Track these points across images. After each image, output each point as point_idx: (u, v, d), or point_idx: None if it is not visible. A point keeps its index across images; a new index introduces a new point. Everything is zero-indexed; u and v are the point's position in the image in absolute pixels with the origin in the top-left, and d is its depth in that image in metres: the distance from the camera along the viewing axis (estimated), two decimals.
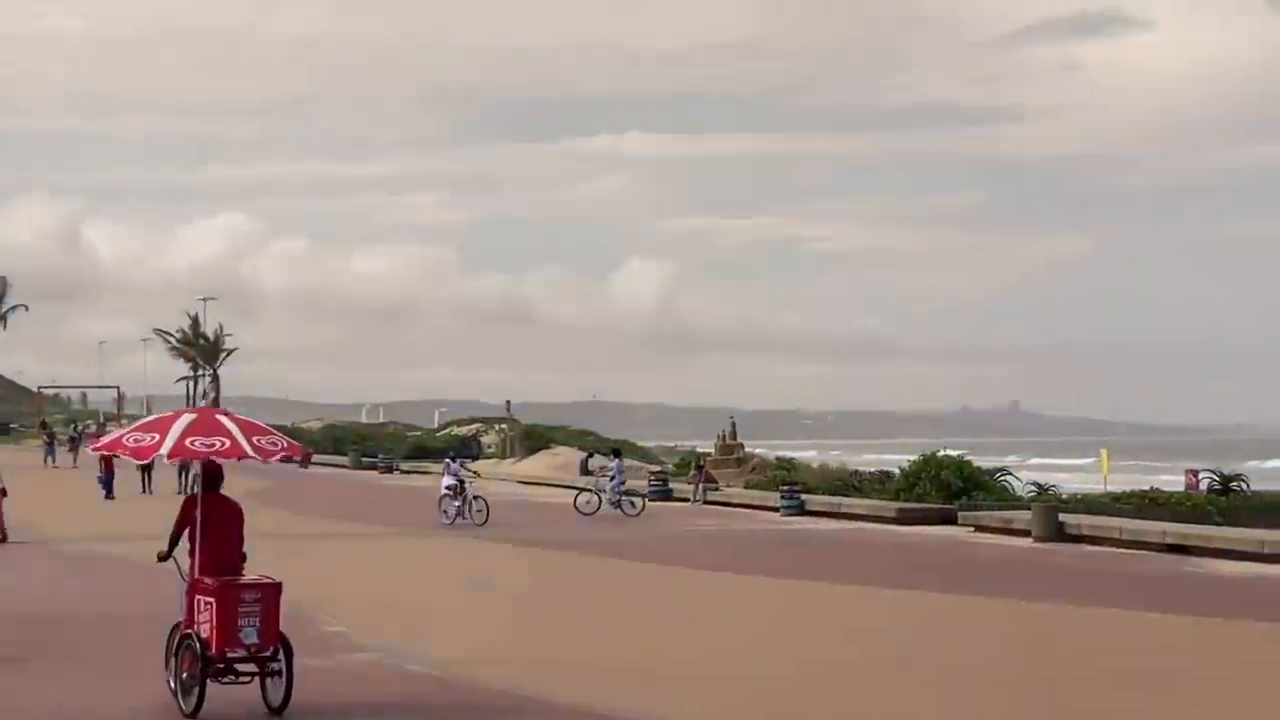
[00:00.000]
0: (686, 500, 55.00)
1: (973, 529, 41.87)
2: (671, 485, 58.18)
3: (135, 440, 15.39)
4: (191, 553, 15.65)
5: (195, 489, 16.03)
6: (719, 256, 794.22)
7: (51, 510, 46.80)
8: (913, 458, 53.39)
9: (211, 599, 15.19)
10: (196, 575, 15.55)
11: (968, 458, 52.45)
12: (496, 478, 77.73)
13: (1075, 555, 35.15)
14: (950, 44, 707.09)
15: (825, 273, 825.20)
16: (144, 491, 55.56)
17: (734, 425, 76.57)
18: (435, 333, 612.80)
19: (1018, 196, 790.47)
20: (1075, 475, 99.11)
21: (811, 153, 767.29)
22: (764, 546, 37.83)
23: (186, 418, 15.58)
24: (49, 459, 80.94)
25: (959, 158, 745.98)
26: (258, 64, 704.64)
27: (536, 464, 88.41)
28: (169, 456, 15.18)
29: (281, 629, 15.49)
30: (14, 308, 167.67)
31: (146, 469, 56.26)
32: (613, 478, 48.80)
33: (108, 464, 53.02)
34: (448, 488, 43.29)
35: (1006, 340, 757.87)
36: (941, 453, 51.91)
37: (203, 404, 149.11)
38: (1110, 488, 53.09)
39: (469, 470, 48.13)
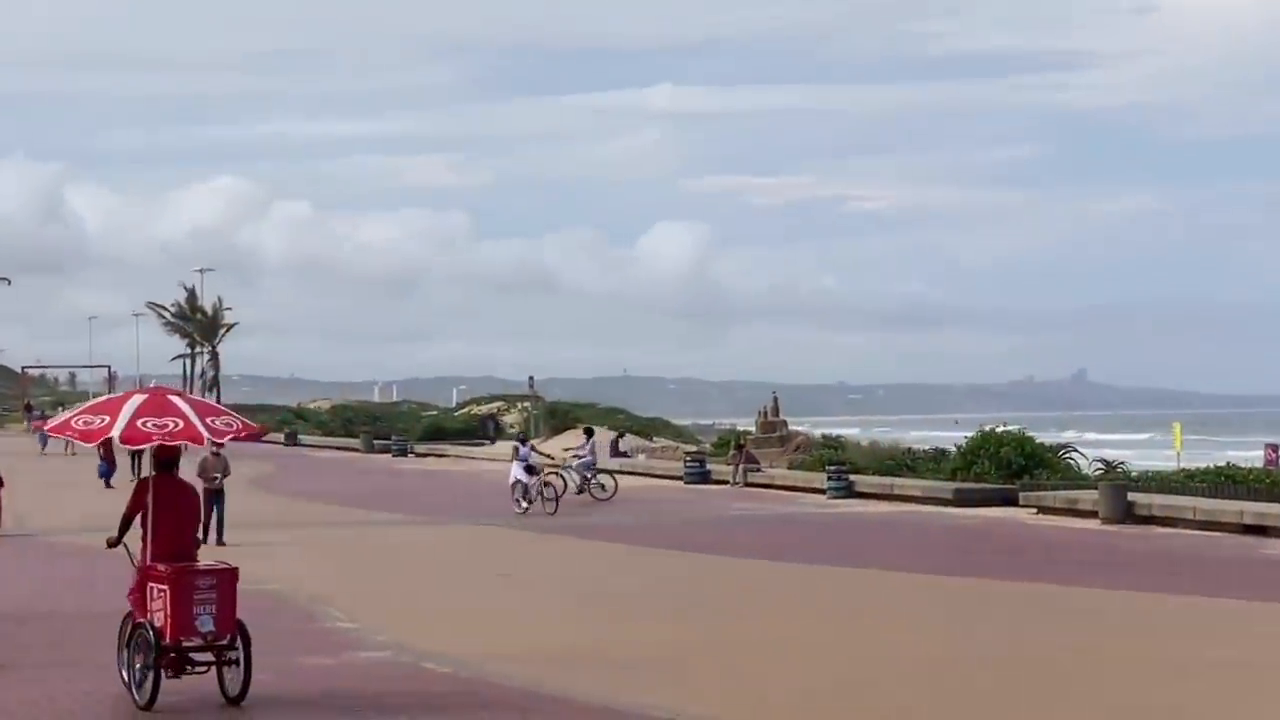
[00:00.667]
0: (725, 483, 55.01)
1: (1035, 510, 41.80)
2: (709, 466, 58.16)
3: (85, 423, 15.51)
4: (144, 538, 15.80)
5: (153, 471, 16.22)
6: (754, 218, 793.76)
7: (50, 501, 47.04)
8: (970, 434, 53.34)
9: (165, 586, 15.33)
10: (149, 562, 15.70)
11: (1029, 433, 52.36)
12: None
13: (1145, 537, 35.10)
14: None
15: (869, 234, 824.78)
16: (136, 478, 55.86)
17: (776, 401, 76.58)
18: (447, 304, 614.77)
19: (1081, 149, 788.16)
20: (1145, 451, 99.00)
21: (854, 105, 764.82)
22: (809, 531, 37.84)
23: (137, 398, 15.68)
24: (44, 446, 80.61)
25: (1015, 108, 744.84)
26: (254, 15, 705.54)
27: (562, 445, 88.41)
28: (122, 439, 15.28)
29: (283, 624, 15.63)
30: None
31: (137, 454, 56.57)
32: (580, 458, 48.76)
33: (108, 451, 53.20)
34: (520, 474, 42.56)
35: (1070, 305, 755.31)
36: (1001, 428, 51.80)
37: (200, 383, 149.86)
38: (1183, 464, 52.95)
39: (542, 454, 47.99)
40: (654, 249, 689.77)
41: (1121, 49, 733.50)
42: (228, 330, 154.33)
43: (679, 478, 57.55)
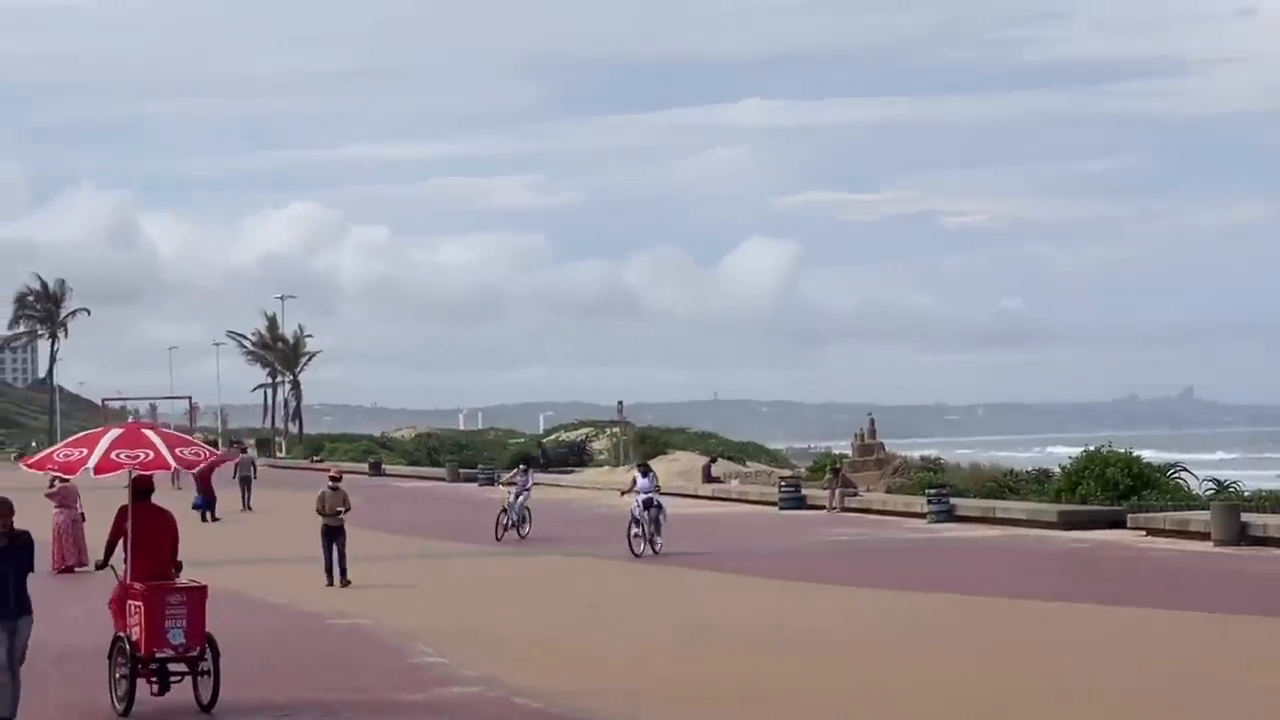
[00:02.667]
0: (822, 508, 54.77)
1: (1144, 532, 41.37)
2: (804, 491, 57.92)
3: (65, 455, 17.55)
4: (125, 560, 17.70)
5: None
6: (845, 235, 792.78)
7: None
8: (1074, 453, 52.92)
9: (140, 603, 17.19)
10: (129, 581, 17.58)
11: (1136, 453, 51.87)
12: (609, 487, 77.73)
13: (1262, 559, 34.67)
14: None
15: (965, 250, 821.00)
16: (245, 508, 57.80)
17: (873, 423, 76.42)
18: (529, 328, 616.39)
19: (1184, 158, 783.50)
20: (1260, 469, 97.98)
21: (947, 117, 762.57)
22: (910, 558, 37.58)
23: (114, 432, 17.80)
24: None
25: (1114, 117, 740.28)
26: (327, 36, 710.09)
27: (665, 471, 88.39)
28: (95, 471, 17.14)
29: (371, 660, 16.02)
30: (74, 312, 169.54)
31: (244, 486, 58.14)
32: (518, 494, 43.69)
33: (205, 484, 53.48)
34: (638, 508, 38.08)
35: (1175, 319, 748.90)
36: (1106, 448, 51.33)
37: (283, 413, 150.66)
38: None
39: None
40: (741, 267, 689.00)
41: (1223, 54, 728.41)
42: (310, 359, 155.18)
43: (774, 503, 57.36)
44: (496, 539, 42.09)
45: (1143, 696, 18.16)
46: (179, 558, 18.11)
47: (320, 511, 32.03)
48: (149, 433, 17.80)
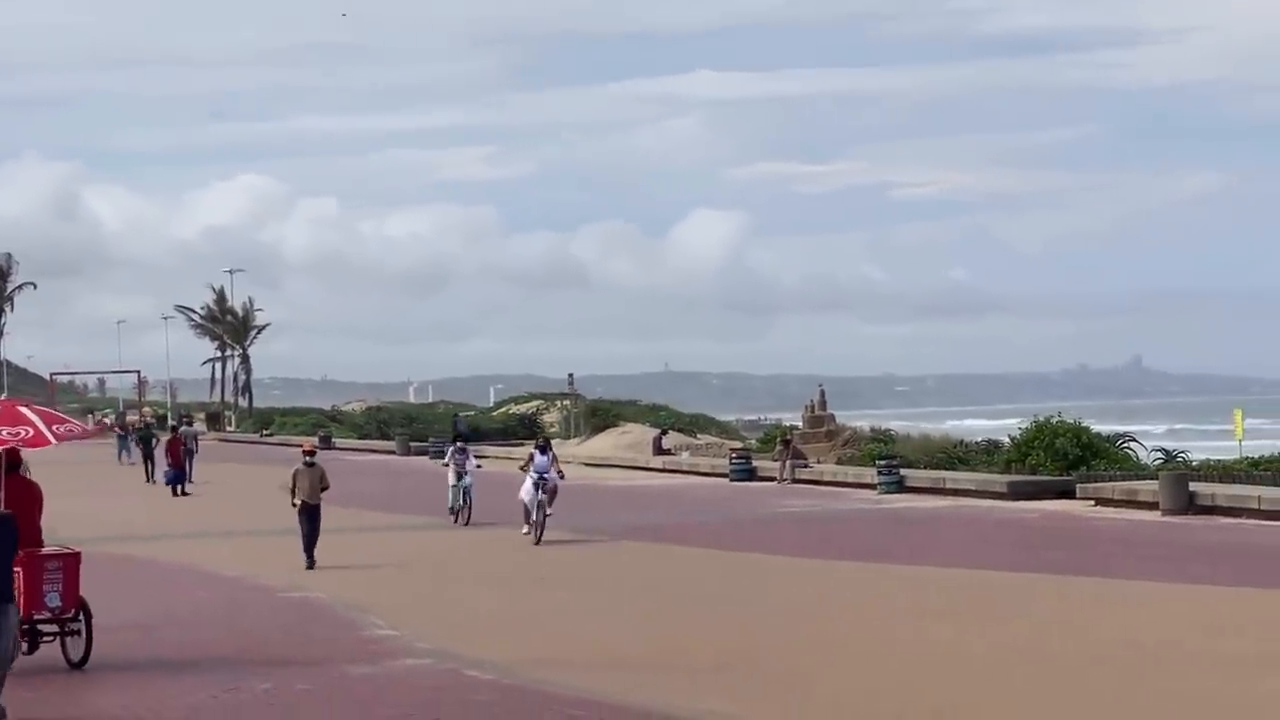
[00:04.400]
0: (772, 479, 54.93)
1: (1093, 502, 41.62)
2: (755, 463, 58.08)
3: None
4: None
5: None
6: (797, 207, 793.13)
7: (92, 508, 47.20)
8: (1023, 424, 53.17)
9: (19, 569, 17.04)
10: None
11: (1085, 423, 52.15)
12: (563, 460, 77.78)
13: (1209, 529, 34.92)
14: None
15: (915, 221, 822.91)
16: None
17: (823, 394, 76.49)
18: (480, 300, 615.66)
19: (1134, 129, 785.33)
20: (1207, 439, 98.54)
21: (900, 88, 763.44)
22: (861, 528, 37.76)
23: None
24: (123, 454, 78.49)
25: (1066, 89, 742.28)
26: (278, 8, 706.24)
27: (604, 443, 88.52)
28: None
29: (323, 633, 15.90)
30: (20, 286, 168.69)
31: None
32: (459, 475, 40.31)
33: (175, 457, 53.65)
34: (529, 491, 35.12)
35: (1125, 290, 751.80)
36: (1056, 418, 51.61)
37: (232, 386, 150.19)
38: (1246, 452, 52.68)
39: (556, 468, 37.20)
40: (691, 239, 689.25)
41: (1175, 25, 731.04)
42: (259, 332, 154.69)
43: (724, 475, 57.50)
44: (454, 523, 39.31)
45: (1091, 664, 18.29)
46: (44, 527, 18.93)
47: (292, 490, 30.32)
48: (26, 410, 18.26)
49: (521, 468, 36.13)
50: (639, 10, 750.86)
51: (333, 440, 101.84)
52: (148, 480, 60.42)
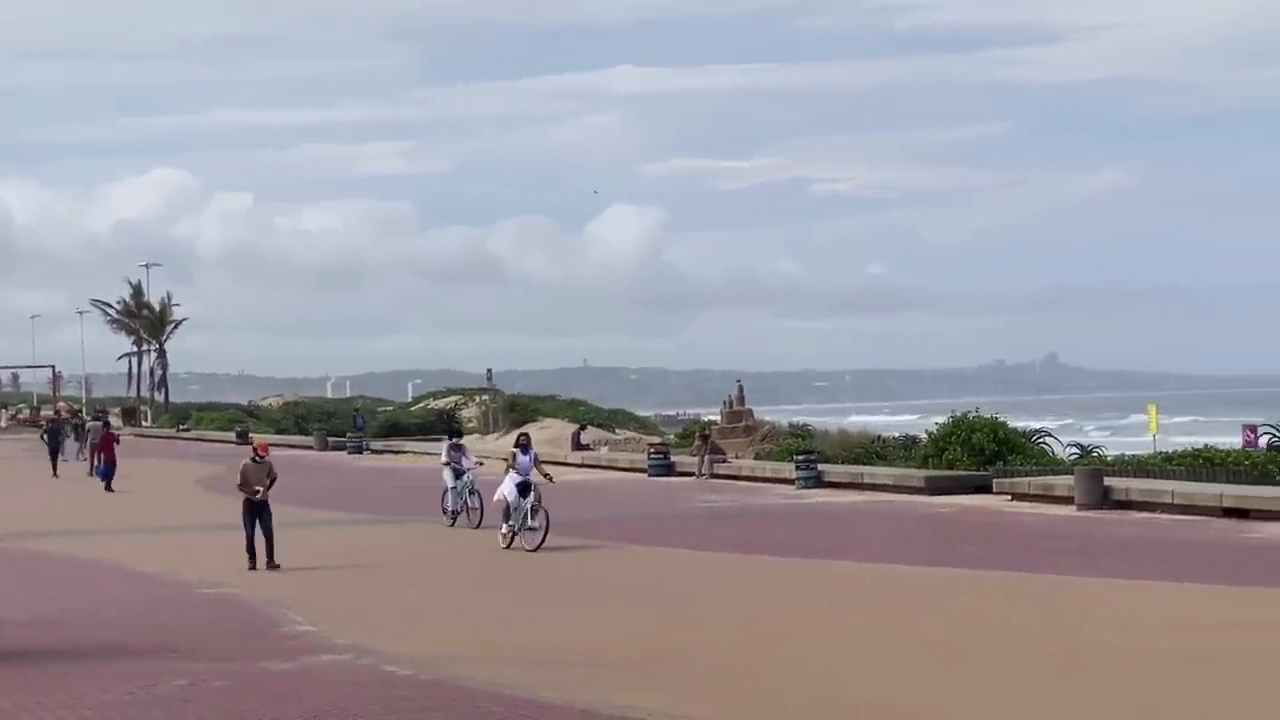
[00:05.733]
0: (691, 475, 54.99)
1: (1009, 497, 41.87)
2: (673, 458, 58.14)
3: None
4: None
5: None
6: (714, 202, 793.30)
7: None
8: (940, 420, 53.44)
9: None
10: None
11: (1002, 418, 52.47)
12: (479, 455, 77.64)
13: (1123, 523, 35.17)
14: None
15: (834, 217, 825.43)
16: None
17: (741, 389, 76.77)
18: (398, 295, 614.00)
19: (1049, 127, 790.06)
20: (1121, 435, 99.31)
21: (818, 84, 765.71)
22: (778, 523, 37.82)
23: None
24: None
25: (982, 86, 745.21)
26: (193, 1, 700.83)
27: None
28: None
29: (239, 628, 15.73)
30: None
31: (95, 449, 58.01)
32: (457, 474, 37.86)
33: (108, 453, 53.57)
34: (511, 493, 32.67)
35: (1041, 286, 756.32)
36: (972, 414, 51.90)
37: (148, 382, 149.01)
38: (1160, 447, 53.14)
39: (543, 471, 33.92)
40: (608, 235, 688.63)
41: (1090, 22, 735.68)
42: (176, 327, 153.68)
43: (643, 470, 57.55)
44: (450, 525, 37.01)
45: (1007, 658, 18.41)
46: None
47: (241, 487, 29.63)
48: None
49: (506, 471, 33.14)
50: (559, 5, 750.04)
51: (250, 435, 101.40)
52: (54, 475, 60.43)
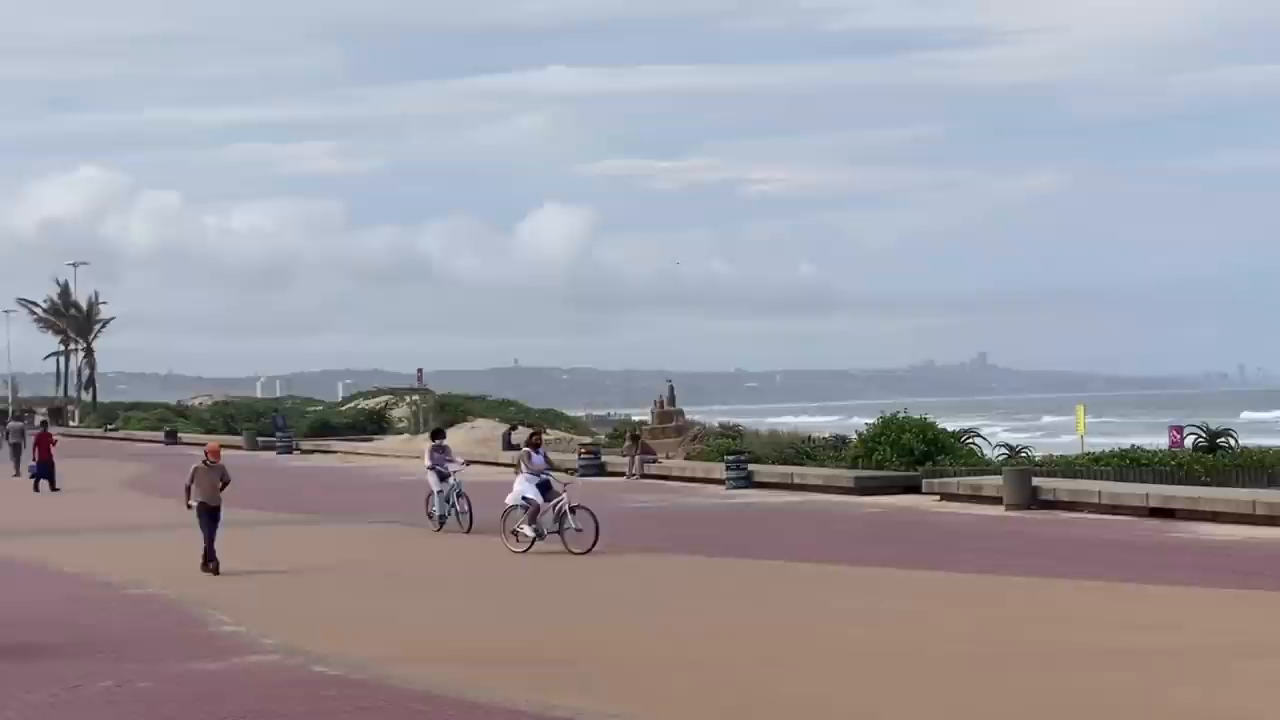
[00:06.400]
0: (622, 475, 54.98)
1: (938, 497, 42.02)
2: (604, 458, 58.13)
3: None
4: None
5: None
6: (647, 203, 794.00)
7: None
8: (870, 420, 53.57)
9: None
10: None
11: (931, 419, 52.64)
12: (408, 455, 77.46)
13: (1051, 523, 35.33)
14: None
15: (765, 218, 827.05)
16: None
17: (672, 390, 76.69)
18: (328, 295, 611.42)
19: (979, 129, 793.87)
20: (1049, 435, 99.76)
21: (751, 86, 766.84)
22: (708, 523, 37.83)
23: None
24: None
25: (912, 88, 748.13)
26: None
27: (453, 439, 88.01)
28: None
29: (167, 628, 15.58)
30: None
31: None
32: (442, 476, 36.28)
33: (44, 450, 53.35)
34: (525, 499, 31.40)
35: (971, 288, 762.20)
36: (902, 414, 52.05)
37: (75, 382, 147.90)
38: (1087, 448, 53.41)
39: (552, 467, 33.04)
40: (539, 235, 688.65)
41: (1020, 26, 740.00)
42: (103, 326, 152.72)
43: (573, 470, 57.42)
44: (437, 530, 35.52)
45: (935, 656, 18.45)
46: None
47: (192, 490, 28.58)
48: None
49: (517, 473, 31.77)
50: (491, 5, 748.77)
51: (179, 436, 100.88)
52: (15, 474, 60.30)
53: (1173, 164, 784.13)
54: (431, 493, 36.16)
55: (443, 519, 35.65)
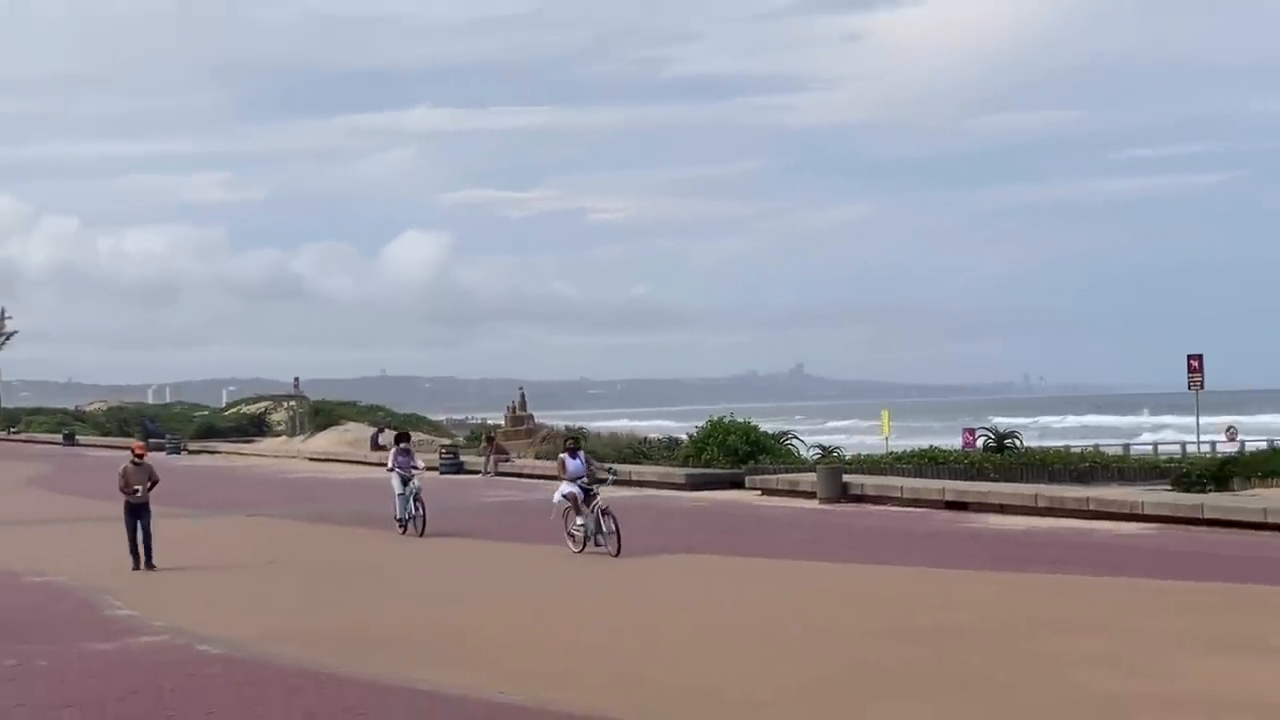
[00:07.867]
0: (478, 473, 54.81)
1: (760, 492, 42.20)
2: (463, 458, 57.92)
3: None
4: None
5: None
6: (501, 229, 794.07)
7: None
8: (699, 424, 53.77)
9: None
10: None
11: (754, 422, 52.92)
12: (286, 455, 76.78)
13: (859, 515, 35.62)
14: (732, 15, 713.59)
15: (607, 243, 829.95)
16: None
17: (523, 396, 76.45)
18: (213, 311, 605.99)
19: (799, 164, 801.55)
20: (858, 437, 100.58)
21: (595, 125, 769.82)
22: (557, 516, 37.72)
23: None
24: None
25: (741, 128, 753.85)
26: (24, 37, 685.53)
27: (326, 440, 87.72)
28: None
29: (63, 612, 15.32)
30: None
31: None
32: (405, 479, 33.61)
33: None
34: (566, 495, 29.18)
35: (789, 305, 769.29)
36: (728, 418, 52.29)
37: None
38: (892, 448, 53.97)
39: (602, 469, 30.55)
40: (402, 257, 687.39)
41: (833, 73, 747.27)
42: (7, 339, 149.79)
43: (435, 469, 57.16)
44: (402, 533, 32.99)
45: (755, 634, 18.55)
46: None
47: (122, 489, 27.73)
48: None
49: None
50: (366, 49, 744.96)
51: (76, 437, 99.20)
52: None
53: (966, 198, 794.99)
54: (396, 496, 33.37)
55: (405, 523, 32.96)
